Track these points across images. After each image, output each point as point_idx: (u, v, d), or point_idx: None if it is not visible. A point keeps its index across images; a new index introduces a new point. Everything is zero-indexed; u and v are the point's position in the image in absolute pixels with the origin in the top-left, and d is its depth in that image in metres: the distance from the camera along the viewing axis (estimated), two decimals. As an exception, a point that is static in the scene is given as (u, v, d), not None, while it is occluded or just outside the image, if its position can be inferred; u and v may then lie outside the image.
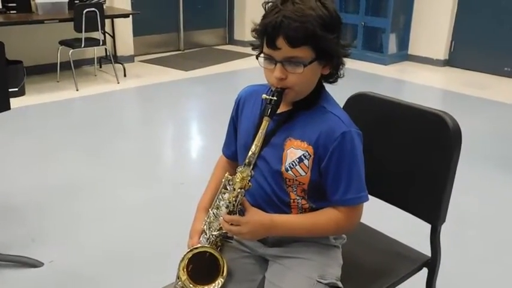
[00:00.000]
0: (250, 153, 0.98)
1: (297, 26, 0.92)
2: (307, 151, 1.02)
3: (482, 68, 5.27)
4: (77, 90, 4.33)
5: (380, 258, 1.26)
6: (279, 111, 1.05)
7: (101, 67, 5.09)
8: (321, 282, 1.04)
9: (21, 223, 2.15)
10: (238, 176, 0.99)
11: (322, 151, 1.01)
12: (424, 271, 1.26)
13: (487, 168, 2.89)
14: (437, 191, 1.18)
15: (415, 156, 1.24)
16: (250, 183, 1.01)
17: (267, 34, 0.96)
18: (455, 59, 5.51)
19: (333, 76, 1.05)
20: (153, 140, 3.34)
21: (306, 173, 1.03)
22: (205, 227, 1.10)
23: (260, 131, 0.98)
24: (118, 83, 4.60)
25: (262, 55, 1.00)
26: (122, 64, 4.88)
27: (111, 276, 1.81)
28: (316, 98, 1.05)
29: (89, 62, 5.02)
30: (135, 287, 1.71)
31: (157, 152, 3.19)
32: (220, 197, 1.06)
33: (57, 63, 4.42)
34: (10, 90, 3.86)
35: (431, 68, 5.51)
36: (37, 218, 2.20)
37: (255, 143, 0.98)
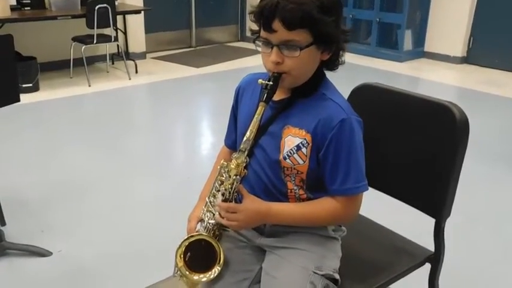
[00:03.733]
0: (244, 138, 0.96)
1: (293, 8, 0.90)
2: (305, 139, 1.00)
3: (501, 66, 5.13)
4: (89, 86, 4.38)
5: (381, 252, 1.23)
6: (277, 98, 1.04)
7: (113, 63, 5.14)
8: (317, 274, 1.02)
9: (30, 215, 2.19)
10: (234, 162, 0.98)
11: (321, 139, 0.99)
12: (427, 267, 1.22)
13: (497, 165, 2.82)
14: (443, 184, 1.14)
15: (420, 148, 1.20)
16: (245, 170, 0.99)
17: (264, 17, 0.94)
18: (474, 56, 5.38)
19: (333, 63, 1.02)
20: (163, 136, 3.36)
21: (304, 162, 1.01)
22: (203, 215, 1.09)
23: (255, 116, 0.96)
24: (130, 79, 4.64)
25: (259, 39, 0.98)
26: (133, 61, 4.92)
27: (117, 269, 1.83)
28: (316, 85, 1.03)
29: (102, 58, 5.08)
30: (142, 280, 1.71)
31: (166, 148, 3.20)
32: (216, 184, 1.04)
33: (70, 59, 4.48)
34: (24, 85, 4.04)
35: (448, 65, 5.40)
36: (46, 211, 2.23)
37: (250, 128, 0.97)
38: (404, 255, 1.22)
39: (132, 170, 2.75)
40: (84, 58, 4.34)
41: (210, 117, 3.93)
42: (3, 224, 2.06)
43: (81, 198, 2.37)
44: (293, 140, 1.01)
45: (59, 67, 4.69)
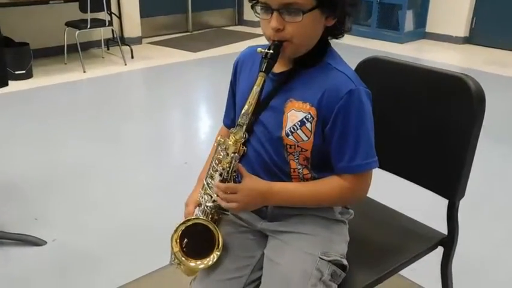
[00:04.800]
0: (242, 111, 0.88)
1: None
2: (309, 113, 0.92)
3: (505, 45, 5.02)
4: (84, 72, 4.28)
5: (390, 236, 1.16)
6: (278, 70, 0.96)
7: (108, 49, 5.02)
8: (323, 259, 0.94)
9: (24, 203, 2.14)
10: (231, 138, 0.90)
11: (326, 112, 0.91)
12: (439, 253, 1.15)
13: (504, 146, 2.75)
14: (457, 162, 1.07)
15: (433, 125, 1.12)
16: (244, 148, 0.91)
17: None
18: (477, 36, 5.26)
19: (338, 29, 0.93)
20: (160, 122, 3.29)
21: (309, 138, 0.93)
22: (200, 198, 1.02)
23: (254, 87, 0.88)
24: (125, 64, 4.53)
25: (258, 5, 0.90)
26: (129, 46, 4.80)
27: (113, 257, 1.78)
28: (320, 55, 0.94)
29: (97, 44, 4.96)
30: (138, 267, 1.66)
31: (163, 133, 3.14)
32: (213, 164, 0.97)
33: (64, 45, 4.37)
34: (17, 72, 3.93)
35: (451, 45, 5.29)
36: (40, 198, 2.18)
37: (248, 100, 0.88)
38: (415, 238, 1.15)
39: (128, 156, 2.69)
40: (78, 43, 4.24)
41: (207, 102, 3.85)
42: (-5, 212, 2.01)
43: (77, 186, 2.32)
44: (296, 114, 0.93)
45: (53, 53, 4.58)
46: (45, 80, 4.06)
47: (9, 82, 1.87)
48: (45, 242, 1.83)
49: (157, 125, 3.23)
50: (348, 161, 0.92)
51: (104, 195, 2.23)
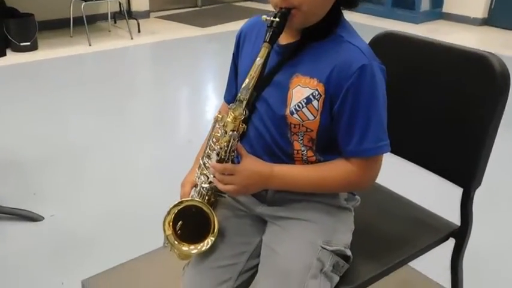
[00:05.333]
0: (243, 85, 0.80)
1: None
2: (316, 89, 0.83)
3: (525, 28, 4.83)
4: (90, 45, 4.20)
5: (399, 226, 1.08)
6: (285, 42, 0.87)
7: (115, 23, 4.92)
8: (325, 249, 0.88)
9: (23, 177, 2.11)
10: (230, 115, 0.82)
11: (335, 89, 0.82)
12: (449, 245, 1.07)
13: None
14: (475, 148, 0.98)
15: (451, 106, 1.03)
16: (244, 125, 0.84)
17: None
18: (495, 18, 5.05)
19: None
20: (165, 98, 3.23)
21: (315, 117, 0.85)
22: (197, 179, 0.95)
23: (257, 59, 0.79)
24: (132, 39, 4.43)
25: None
26: (136, 20, 4.69)
27: (111, 234, 1.74)
28: (331, 26, 0.85)
29: (103, 17, 4.86)
30: (136, 247, 1.62)
31: (168, 110, 3.07)
32: (211, 142, 0.90)
33: (70, 17, 4.28)
34: (22, 44, 3.86)
35: (468, 27, 5.09)
36: (40, 173, 2.14)
37: (249, 73, 0.80)
38: (425, 229, 1.07)
39: (131, 132, 2.64)
40: (84, 16, 4.15)
41: (215, 79, 3.76)
42: (-7, 186, 1.98)
43: (78, 161, 2.27)
44: (302, 91, 0.84)
45: (59, 25, 4.49)
46: (50, 52, 3.99)
47: (14, 54, 1.80)
48: (43, 218, 1.80)
49: (162, 101, 3.17)
50: (356, 143, 0.84)
51: (105, 172, 2.19)
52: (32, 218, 1.79)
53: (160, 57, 4.22)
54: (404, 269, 1.03)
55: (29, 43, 3.93)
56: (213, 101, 3.30)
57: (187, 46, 4.39)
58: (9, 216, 1.79)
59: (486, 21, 5.12)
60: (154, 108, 3.05)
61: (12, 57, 1.69)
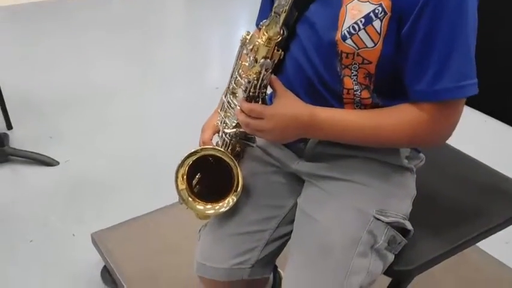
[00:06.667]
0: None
1: None
2: (380, 5, 0.61)
3: None
4: (118, -15, 3.99)
5: (470, 193, 0.88)
6: None
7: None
8: (379, 220, 0.68)
9: (40, 119, 2.04)
10: (263, 34, 0.61)
11: (407, 4, 0.59)
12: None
13: None
14: None
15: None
16: (280, 51, 0.62)
17: None
18: None
19: None
20: (195, 43, 3.08)
21: (376, 44, 0.62)
22: (219, 123, 0.78)
23: None
24: (161, -21, 4.18)
25: None
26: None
27: (129, 185, 1.66)
28: None
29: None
30: (153, 199, 1.52)
31: (197, 55, 2.93)
32: (236, 74, 0.69)
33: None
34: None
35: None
36: (58, 116, 2.07)
37: None
38: (504, 199, 0.87)
39: (156, 77, 2.53)
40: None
41: (250, 24, 3.50)
42: (10, 127, 1.92)
43: (98, 105, 2.18)
44: (360, 7, 0.62)
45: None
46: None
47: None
48: (58, 163, 1.73)
49: (191, 45, 3.03)
50: (431, 81, 0.62)
51: (126, 118, 2.10)
52: (45, 162, 1.72)
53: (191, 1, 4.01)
54: (475, 251, 0.82)
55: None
56: (245, 47, 3.11)
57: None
58: (25, 160, 1.73)
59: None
60: (182, 53, 2.93)
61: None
